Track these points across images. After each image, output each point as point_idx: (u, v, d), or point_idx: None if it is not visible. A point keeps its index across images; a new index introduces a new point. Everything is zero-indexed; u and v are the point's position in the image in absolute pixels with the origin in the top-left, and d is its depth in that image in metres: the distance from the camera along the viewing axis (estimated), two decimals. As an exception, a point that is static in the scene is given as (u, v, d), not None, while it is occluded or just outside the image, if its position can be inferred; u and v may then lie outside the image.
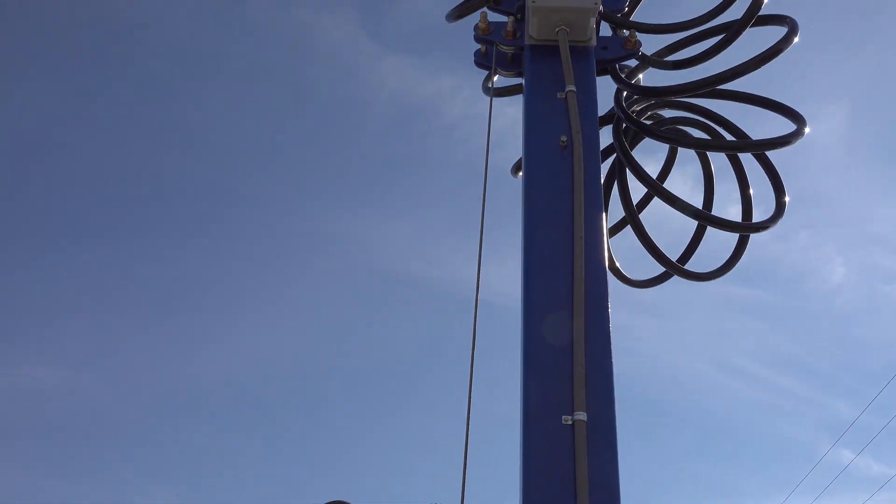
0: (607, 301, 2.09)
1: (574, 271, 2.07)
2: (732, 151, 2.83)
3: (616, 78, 2.69)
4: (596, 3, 2.48)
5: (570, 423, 1.88)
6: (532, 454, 1.87)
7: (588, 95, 2.46)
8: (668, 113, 2.92)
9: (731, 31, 2.61)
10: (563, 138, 2.33)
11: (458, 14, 2.90)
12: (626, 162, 2.67)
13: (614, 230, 2.89)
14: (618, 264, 2.88)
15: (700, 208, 2.72)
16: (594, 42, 2.56)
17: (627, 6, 2.91)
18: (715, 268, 2.79)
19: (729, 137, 2.83)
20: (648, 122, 2.88)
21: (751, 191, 2.85)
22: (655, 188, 2.66)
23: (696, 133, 2.89)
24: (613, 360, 2.02)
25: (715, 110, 2.87)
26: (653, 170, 2.98)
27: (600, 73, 2.68)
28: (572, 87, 2.41)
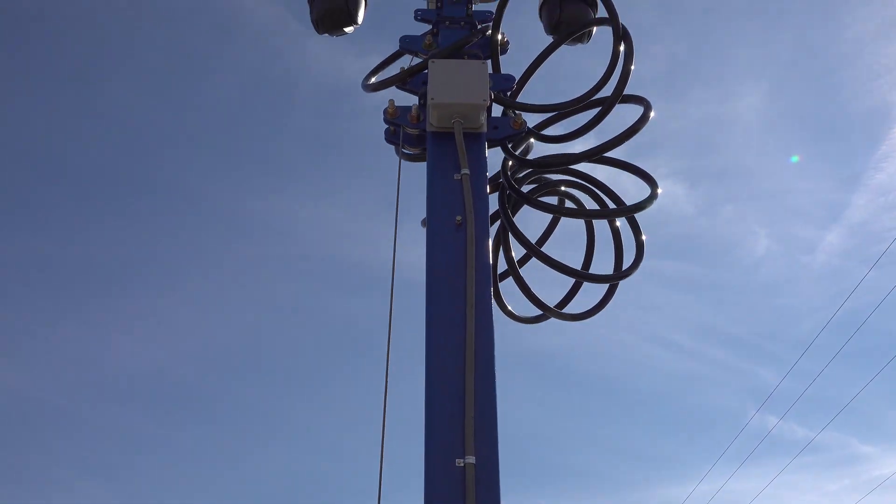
0: (493, 360, 2.53)
1: (466, 337, 2.51)
2: (592, 218, 3.31)
3: (504, 150, 3.15)
4: (484, 100, 2.92)
5: (462, 465, 2.33)
6: (431, 491, 2.32)
7: (480, 175, 2.90)
8: (555, 176, 3.39)
9: (603, 109, 3.10)
10: (459, 218, 2.77)
11: (372, 89, 3.31)
12: (507, 226, 3.13)
13: (503, 276, 3.33)
14: (509, 307, 3.33)
15: (573, 267, 3.17)
16: (485, 128, 3.00)
17: (516, 85, 3.37)
18: (589, 307, 3.27)
19: (606, 198, 3.31)
20: (535, 185, 3.35)
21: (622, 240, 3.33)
22: (533, 251, 3.12)
23: (580, 193, 3.38)
24: (498, 408, 2.48)
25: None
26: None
27: (493, 146, 3.14)
28: (466, 171, 2.84)
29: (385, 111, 3.05)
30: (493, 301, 3.21)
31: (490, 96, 3.13)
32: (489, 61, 3.31)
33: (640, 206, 3.17)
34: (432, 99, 2.92)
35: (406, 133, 3.03)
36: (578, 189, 3.37)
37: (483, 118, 2.97)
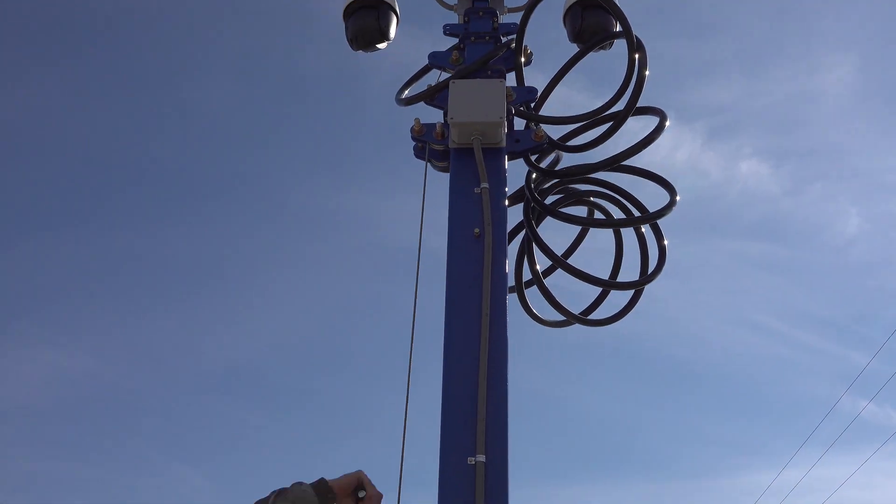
0: (506, 365, 2.75)
1: (480, 343, 2.73)
2: (614, 227, 3.47)
3: (527, 162, 3.33)
4: (501, 118, 3.10)
5: (473, 463, 2.56)
6: (445, 487, 2.56)
7: (499, 189, 3.10)
8: (582, 186, 3.56)
9: (615, 122, 3.25)
10: (477, 230, 2.98)
11: (404, 103, 3.53)
12: (532, 237, 3.32)
13: (529, 284, 3.51)
14: (534, 310, 3.52)
15: (598, 277, 3.33)
16: (504, 143, 3.18)
17: (540, 95, 3.54)
18: (615, 312, 3.44)
19: (630, 206, 3.46)
20: (560, 195, 3.52)
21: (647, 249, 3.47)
22: (557, 262, 3.30)
23: (607, 202, 3.54)
24: (510, 409, 2.70)
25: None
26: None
27: (515, 158, 3.33)
28: (486, 185, 3.04)
29: (412, 129, 3.27)
30: (522, 304, 3.47)
31: (510, 111, 3.32)
32: (513, 73, 3.49)
33: (661, 212, 3.32)
34: (452, 118, 3.12)
35: (432, 149, 3.24)
36: (603, 198, 3.52)
37: (501, 134, 3.15)
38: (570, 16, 3.69)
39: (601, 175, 3.50)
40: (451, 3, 3.90)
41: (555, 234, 3.58)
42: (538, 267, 3.37)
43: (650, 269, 3.39)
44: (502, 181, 3.13)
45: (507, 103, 3.35)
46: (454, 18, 3.83)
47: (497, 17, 3.70)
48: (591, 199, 3.55)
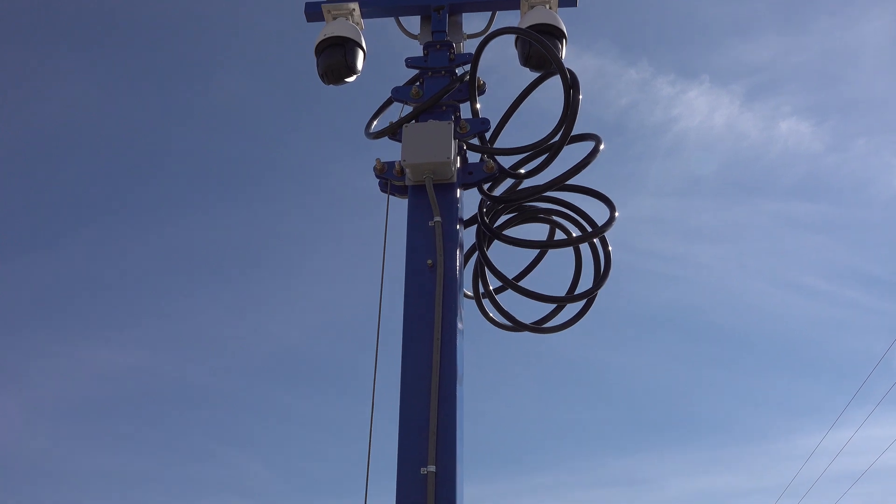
0: (456, 383, 3.13)
1: (432, 364, 3.12)
2: (559, 248, 3.81)
3: (480, 191, 3.68)
4: (448, 157, 3.44)
5: (425, 473, 2.96)
6: (401, 495, 2.96)
7: (451, 221, 3.45)
8: (542, 204, 3.90)
9: (551, 153, 3.58)
10: (430, 261, 3.34)
11: (372, 137, 3.87)
12: (483, 261, 3.68)
13: (487, 295, 3.88)
14: (492, 316, 3.90)
15: (547, 295, 3.68)
16: (455, 178, 3.53)
17: (499, 123, 3.88)
18: (567, 320, 3.81)
19: (581, 220, 3.81)
20: (515, 213, 3.87)
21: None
22: (506, 283, 3.66)
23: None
24: (461, 423, 3.09)
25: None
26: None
27: (469, 188, 3.68)
28: (438, 218, 3.40)
29: (374, 168, 3.62)
30: (481, 311, 3.84)
31: (463, 147, 3.66)
32: (463, 110, 3.81)
33: (603, 228, 3.67)
34: (404, 160, 3.47)
35: (394, 185, 3.60)
36: (555, 214, 3.87)
37: (451, 171, 3.50)
38: (520, 42, 4.01)
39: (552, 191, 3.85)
40: (414, 34, 4.23)
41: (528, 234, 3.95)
42: (491, 286, 3.74)
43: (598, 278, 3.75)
44: (454, 214, 3.48)
45: (461, 135, 3.69)
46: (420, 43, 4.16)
47: (453, 50, 4.02)
48: (544, 216, 3.90)
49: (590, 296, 3.70)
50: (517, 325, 3.74)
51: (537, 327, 3.76)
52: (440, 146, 3.49)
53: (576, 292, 3.77)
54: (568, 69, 3.64)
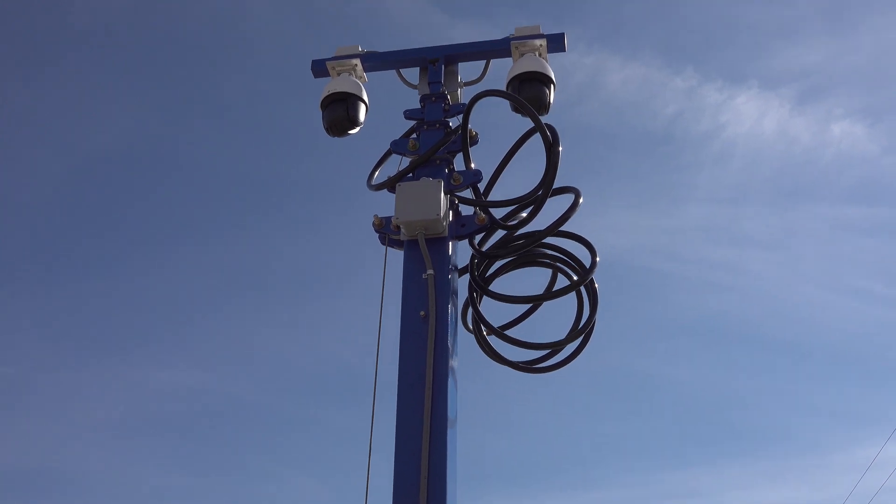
0: (446, 430, 3.37)
1: (423, 416, 3.38)
2: (542, 301, 4.01)
3: (470, 243, 3.92)
4: (438, 214, 3.68)
5: (418, 515, 3.23)
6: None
7: (443, 274, 3.69)
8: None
9: (536, 205, 3.80)
10: (423, 312, 3.60)
11: (373, 189, 4.13)
12: (475, 312, 3.92)
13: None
14: (497, 351, 4.13)
15: (536, 343, 3.89)
16: (446, 233, 3.77)
17: (495, 172, 4.11)
18: (558, 361, 4.02)
19: (573, 263, 4.01)
20: (512, 258, 4.08)
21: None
22: (495, 332, 3.88)
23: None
24: (453, 467, 3.35)
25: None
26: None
27: (462, 240, 3.92)
28: (431, 271, 3.65)
29: (372, 223, 3.88)
30: (480, 347, 4.09)
31: (454, 202, 3.90)
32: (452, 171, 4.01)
33: (587, 275, 3.88)
34: (397, 218, 3.73)
35: (391, 238, 3.86)
36: (547, 258, 4.08)
37: (442, 226, 3.74)
38: (511, 88, 4.23)
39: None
40: (414, 84, 4.47)
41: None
42: (484, 331, 3.98)
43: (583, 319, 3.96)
44: (447, 266, 3.73)
45: (454, 187, 3.93)
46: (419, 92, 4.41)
47: (447, 101, 4.26)
48: (539, 260, 4.12)
49: (573, 340, 3.90)
50: (511, 366, 3.97)
51: (533, 368, 3.99)
52: (430, 204, 3.73)
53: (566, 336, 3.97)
54: (548, 125, 3.85)
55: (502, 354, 3.94)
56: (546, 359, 4.01)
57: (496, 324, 3.98)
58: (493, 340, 4.01)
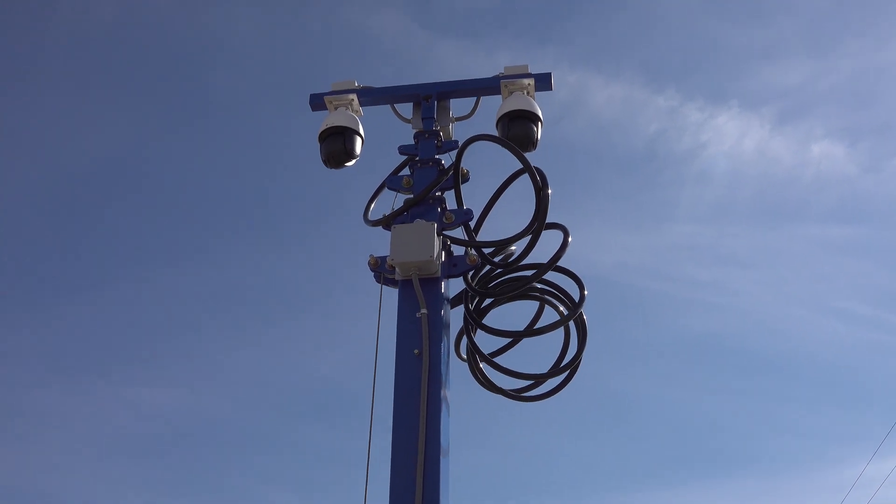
0: (439, 461, 3.63)
1: (417, 449, 3.64)
2: (536, 335, 4.23)
3: (465, 281, 4.15)
4: (431, 256, 3.91)
5: (412, 545, 3.50)
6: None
7: (437, 312, 3.92)
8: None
9: (528, 245, 4.02)
10: (417, 350, 3.84)
11: (369, 224, 4.35)
12: (470, 345, 4.16)
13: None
14: (490, 379, 4.38)
15: (525, 373, 4.14)
16: (439, 273, 4.00)
17: (482, 213, 4.33)
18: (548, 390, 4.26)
19: (563, 298, 4.24)
20: (506, 287, 4.29)
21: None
22: (487, 362, 4.13)
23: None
24: (446, 492, 3.62)
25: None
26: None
27: (455, 277, 4.15)
28: (425, 311, 3.88)
29: (368, 263, 4.11)
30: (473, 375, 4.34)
31: (447, 243, 4.12)
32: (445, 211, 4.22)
33: (576, 309, 4.11)
34: (392, 259, 3.95)
35: (387, 277, 4.09)
36: (538, 291, 4.31)
37: (435, 266, 3.97)
38: (501, 125, 4.45)
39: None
40: (408, 118, 4.67)
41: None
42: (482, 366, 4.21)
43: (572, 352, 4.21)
44: (440, 305, 3.96)
45: (447, 225, 4.16)
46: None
47: (440, 138, 4.46)
48: (530, 293, 4.34)
49: (558, 374, 4.14)
50: (502, 394, 4.23)
51: (521, 396, 4.24)
52: (424, 245, 3.95)
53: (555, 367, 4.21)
54: (537, 169, 4.06)
55: (494, 382, 4.19)
56: (533, 388, 4.25)
57: (486, 350, 4.24)
58: (484, 367, 4.25)
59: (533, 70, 4.57)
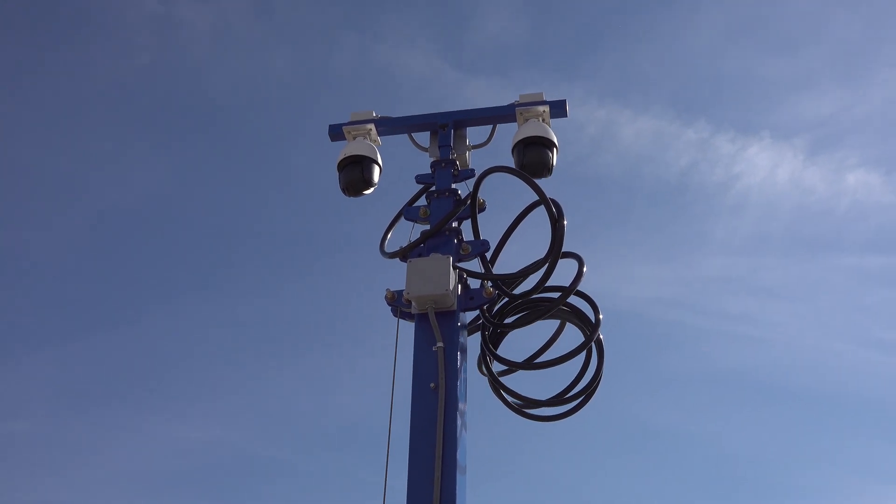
0: (455, 489, 3.66)
1: (434, 485, 3.67)
2: (555, 365, 4.25)
3: (481, 313, 4.18)
4: (446, 290, 3.92)
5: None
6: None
7: (453, 345, 3.95)
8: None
9: (544, 275, 4.04)
10: (433, 384, 3.87)
11: (387, 257, 4.39)
12: (489, 377, 4.20)
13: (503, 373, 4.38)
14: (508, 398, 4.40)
15: (537, 399, 4.18)
16: (455, 306, 4.02)
17: (498, 244, 4.36)
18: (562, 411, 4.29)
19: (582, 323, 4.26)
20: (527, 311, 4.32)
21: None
22: (500, 385, 4.17)
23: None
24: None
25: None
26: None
27: (472, 310, 4.18)
28: (441, 344, 3.91)
29: (385, 297, 4.15)
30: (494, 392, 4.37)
31: (463, 276, 4.15)
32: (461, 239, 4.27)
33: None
34: (408, 293, 3.99)
35: (402, 311, 4.12)
36: (562, 314, 4.33)
37: (451, 299, 3.99)
38: (516, 152, 4.47)
39: None
40: (424, 146, 4.71)
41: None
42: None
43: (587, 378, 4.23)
44: (456, 338, 3.98)
45: (463, 256, 4.19)
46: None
47: (457, 167, 4.49)
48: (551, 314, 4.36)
49: (567, 402, 4.17)
50: (517, 413, 4.26)
51: (532, 414, 4.27)
52: (440, 280, 3.98)
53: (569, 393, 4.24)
54: (552, 199, 4.07)
55: (506, 397, 4.23)
56: (547, 406, 4.28)
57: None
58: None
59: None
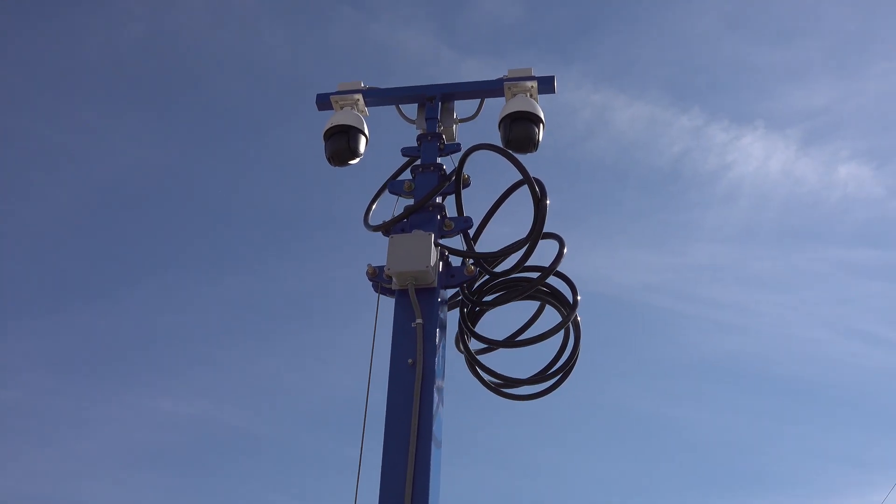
0: (428, 480, 3.64)
1: (407, 463, 3.69)
2: (531, 344, 4.25)
3: (461, 291, 4.18)
4: (428, 266, 3.92)
5: (401, 553, 3.59)
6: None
7: (432, 322, 3.95)
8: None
9: (525, 254, 4.03)
10: (410, 360, 3.87)
11: (370, 230, 4.37)
12: (467, 355, 4.21)
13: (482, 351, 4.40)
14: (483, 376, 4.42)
15: (513, 378, 4.20)
16: (435, 283, 4.01)
17: (482, 222, 4.34)
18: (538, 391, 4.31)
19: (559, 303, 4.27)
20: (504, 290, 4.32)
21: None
22: (475, 362, 4.19)
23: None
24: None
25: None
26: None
27: (453, 288, 4.17)
28: (420, 321, 3.91)
29: (366, 272, 4.13)
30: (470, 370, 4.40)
31: (445, 254, 4.13)
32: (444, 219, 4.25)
33: (569, 316, 4.14)
34: (389, 269, 3.97)
35: (384, 287, 4.11)
36: (541, 294, 4.32)
37: (432, 277, 3.99)
38: (502, 126, 4.44)
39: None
40: (412, 119, 4.67)
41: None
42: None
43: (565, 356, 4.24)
44: (435, 315, 3.97)
45: (446, 232, 4.17)
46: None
47: (443, 140, 4.46)
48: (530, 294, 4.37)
49: (544, 380, 4.19)
50: (493, 391, 4.28)
51: (509, 394, 4.29)
52: (421, 256, 3.96)
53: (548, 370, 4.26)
54: (535, 179, 4.05)
55: (487, 380, 4.25)
56: (527, 384, 4.30)
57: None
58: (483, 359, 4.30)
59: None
